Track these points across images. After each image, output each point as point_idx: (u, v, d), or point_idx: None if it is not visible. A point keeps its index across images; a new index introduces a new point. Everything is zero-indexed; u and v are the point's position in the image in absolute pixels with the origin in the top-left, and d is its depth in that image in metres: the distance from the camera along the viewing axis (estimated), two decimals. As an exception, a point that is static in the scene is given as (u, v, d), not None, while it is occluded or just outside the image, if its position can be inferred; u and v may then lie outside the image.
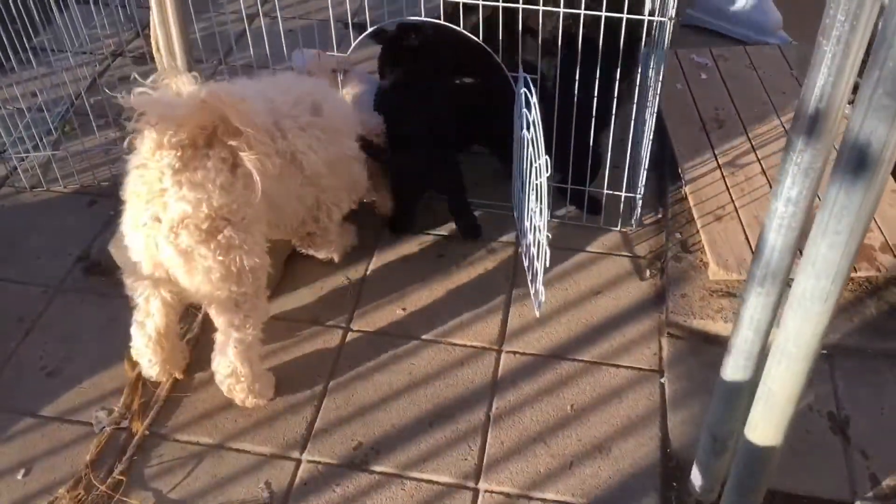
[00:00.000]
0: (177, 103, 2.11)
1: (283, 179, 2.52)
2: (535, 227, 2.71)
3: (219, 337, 2.50)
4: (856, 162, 1.49)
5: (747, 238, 2.99)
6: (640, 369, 2.76)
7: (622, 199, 3.15)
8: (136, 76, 2.23)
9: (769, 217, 1.82)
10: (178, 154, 2.13)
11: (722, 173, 3.26)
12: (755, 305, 1.93)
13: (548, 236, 2.58)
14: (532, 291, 2.89)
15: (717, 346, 2.81)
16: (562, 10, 2.80)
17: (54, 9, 3.60)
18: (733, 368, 2.07)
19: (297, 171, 2.60)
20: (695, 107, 3.62)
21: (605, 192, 3.14)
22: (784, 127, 3.46)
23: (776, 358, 1.77)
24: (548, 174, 2.46)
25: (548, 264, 2.60)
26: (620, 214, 3.20)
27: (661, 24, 2.66)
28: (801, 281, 1.62)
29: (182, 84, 2.12)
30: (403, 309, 2.98)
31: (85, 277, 3.12)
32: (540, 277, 2.72)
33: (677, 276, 2.99)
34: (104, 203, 3.45)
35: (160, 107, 2.09)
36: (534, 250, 2.79)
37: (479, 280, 3.08)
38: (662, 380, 2.72)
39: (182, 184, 2.17)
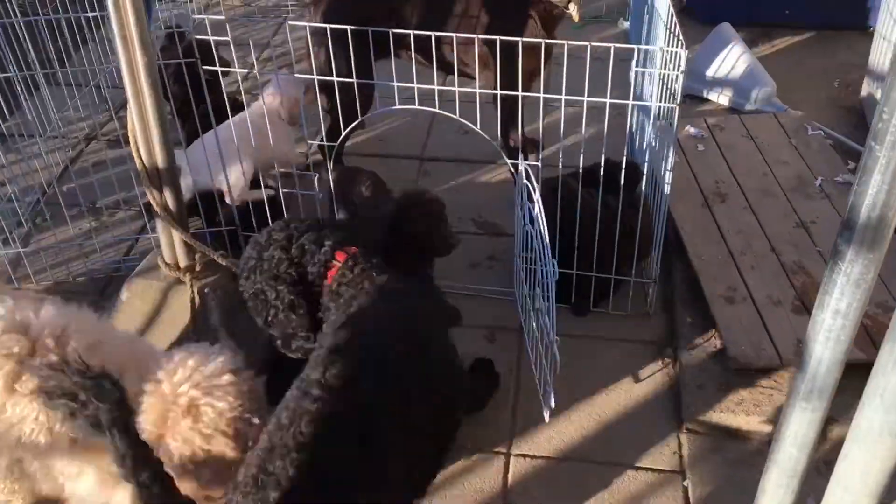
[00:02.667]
0: None
1: None
2: (542, 327, 2.54)
3: None
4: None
5: (763, 322, 2.83)
6: (661, 471, 2.57)
7: (631, 283, 2.99)
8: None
9: (815, 328, 1.67)
10: None
11: (730, 251, 3.13)
12: (800, 421, 1.76)
13: (557, 339, 2.41)
14: (541, 394, 2.71)
15: (739, 441, 2.65)
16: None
17: (23, 92, 3.44)
18: (775, 486, 1.89)
19: None
20: (694, 180, 3.50)
21: (614, 277, 2.98)
22: (790, 201, 3.34)
23: (837, 494, 1.59)
24: (555, 277, 2.30)
25: (558, 370, 2.42)
26: (630, 298, 3.04)
27: (670, 109, 2.54)
28: (868, 414, 1.46)
29: None
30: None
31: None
32: (550, 381, 2.54)
33: (692, 365, 2.83)
34: (79, 301, 3.20)
35: None
36: (541, 348, 2.62)
37: (483, 374, 2.89)
38: (685, 482, 2.53)
39: None
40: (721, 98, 4.14)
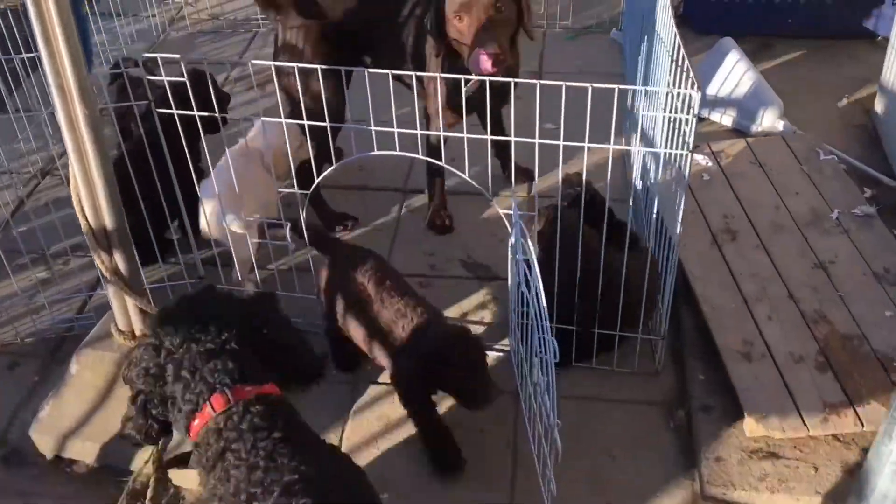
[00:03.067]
0: None
1: None
2: (541, 406, 2.25)
3: None
4: None
5: (785, 383, 2.56)
6: (678, 559, 2.31)
7: (638, 340, 2.71)
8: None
9: (879, 459, 1.41)
10: None
11: (743, 298, 2.86)
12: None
13: (558, 423, 2.13)
14: (541, 480, 2.42)
15: (764, 522, 2.38)
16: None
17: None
18: None
19: None
20: (701, 214, 3.22)
21: (618, 333, 2.70)
22: (805, 239, 3.07)
23: None
24: (556, 360, 2.01)
25: (559, 459, 2.14)
26: (637, 355, 2.76)
27: (681, 156, 2.26)
28: None
29: None
30: (387, 495, 2.48)
31: (5, 469, 2.58)
32: (550, 466, 2.26)
33: (707, 433, 2.55)
34: (27, 365, 2.93)
35: None
36: (539, 427, 2.33)
37: (476, 447, 2.59)
38: (706, 573, 2.27)
39: None
40: (724, 119, 3.86)
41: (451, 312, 3.06)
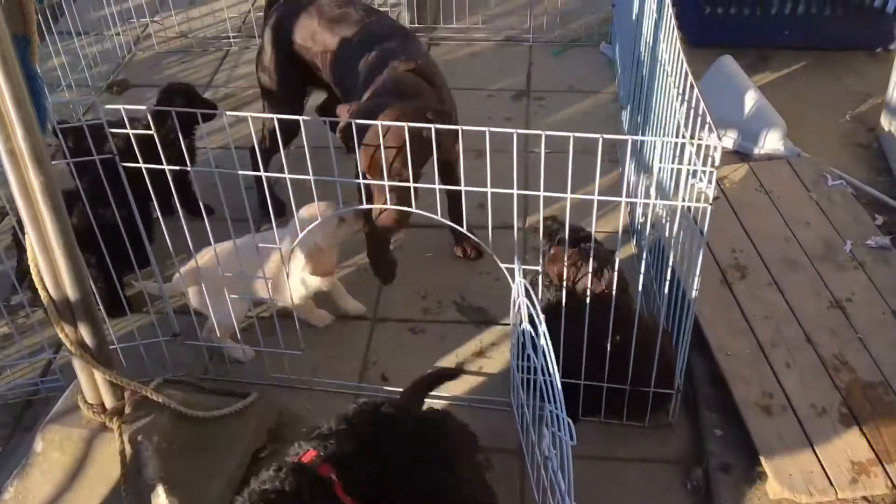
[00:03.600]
0: None
1: None
2: (554, 482, 2.07)
3: None
4: None
5: (809, 441, 2.40)
6: None
7: (650, 395, 2.53)
8: None
9: None
10: None
11: (759, 343, 2.69)
12: None
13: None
14: None
15: None
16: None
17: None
18: None
19: None
20: (708, 250, 3.04)
21: (628, 387, 2.51)
22: (819, 275, 2.90)
23: None
24: (572, 443, 1.83)
25: None
26: (649, 410, 2.58)
27: (702, 209, 2.08)
28: None
29: None
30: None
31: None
32: None
33: (728, 495, 2.38)
34: (-11, 434, 2.70)
35: None
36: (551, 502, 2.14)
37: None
38: None
39: None
40: (725, 141, 3.69)
41: (448, 361, 2.88)
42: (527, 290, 2.13)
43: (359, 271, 3.24)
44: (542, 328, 1.98)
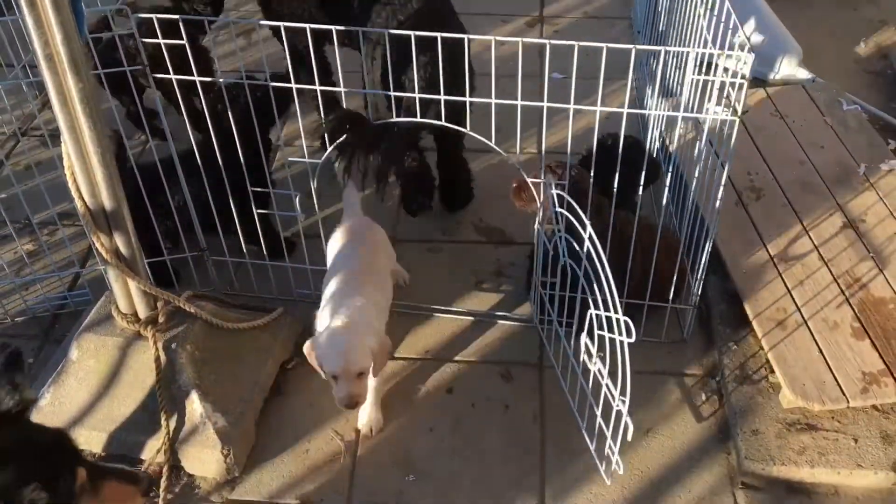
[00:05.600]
0: None
1: None
2: (605, 386, 2.14)
3: None
4: None
5: (822, 352, 2.47)
6: (719, 540, 2.24)
7: (667, 310, 2.60)
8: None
9: None
10: None
11: (774, 264, 2.74)
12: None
13: (623, 400, 2.03)
14: (597, 457, 2.33)
15: (804, 496, 2.32)
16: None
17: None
18: None
19: None
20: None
21: (647, 302, 2.58)
22: (833, 196, 2.95)
23: None
24: (630, 339, 1.89)
25: (629, 438, 2.04)
26: (665, 322, 2.65)
27: (730, 122, 2.11)
28: None
29: None
30: (412, 476, 2.38)
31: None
32: (617, 448, 2.17)
33: (742, 405, 2.47)
34: (20, 346, 2.72)
35: None
36: (595, 409, 2.22)
37: (502, 424, 2.50)
38: (748, 554, 2.21)
39: None
40: (740, 66, 3.68)
41: (466, 279, 2.93)
42: (561, 199, 2.16)
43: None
44: (589, 230, 2.02)
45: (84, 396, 2.42)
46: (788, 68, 3.55)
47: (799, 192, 2.99)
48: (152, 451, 2.37)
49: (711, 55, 2.19)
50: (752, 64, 2.00)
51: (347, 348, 2.21)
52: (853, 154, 3.12)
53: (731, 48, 2.08)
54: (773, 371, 2.50)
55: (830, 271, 2.71)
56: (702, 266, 2.49)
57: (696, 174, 2.37)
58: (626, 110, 2.14)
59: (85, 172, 2.08)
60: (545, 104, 2.14)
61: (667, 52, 2.64)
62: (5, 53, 3.11)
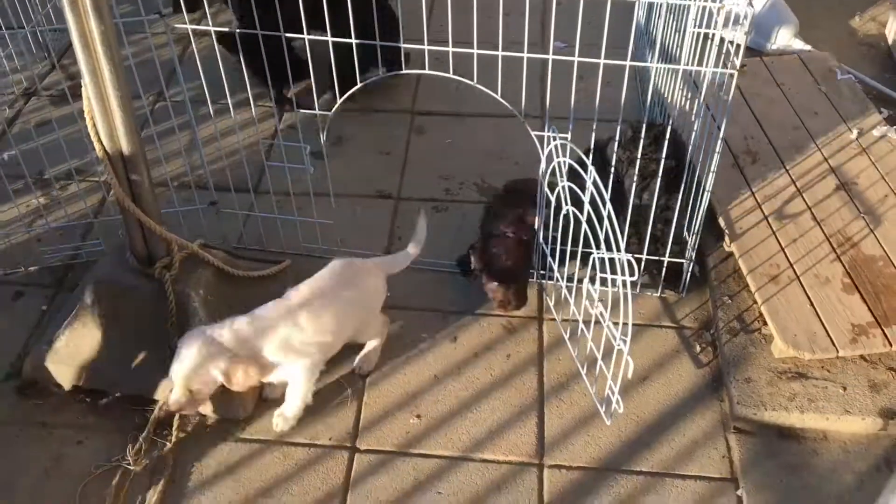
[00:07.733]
0: None
1: None
2: (607, 327, 2.23)
3: None
4: None
5: (813, 305, 2.56)
6: (710, 478, 2.33)
7: (664, 264, 2.68)
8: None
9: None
10: None
11: (769, 223, 2.83)
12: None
13: (624, 339, 2.11)
14: (596, 399, 2.42)
15: (794, 441, 2.41)
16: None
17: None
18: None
19: None
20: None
21: (645, 256, 2.66)
22: (826, 160, 3.04)
23: None
24: (633, 278, 1.98)
25: (629, 375, 2.13)
26: (662, 279, 2.73)
27: (728, 76, 2.18)
28: None
29: None
30: (418, 416, 2.47)
31: (18, 403, 2.51)
32: (617, 388, 2.26)
33: (735, 355, 2.56)
34: (33, 295, 2.82)
35: None
36: (597, 353, 2.31)
37: (503, 370, 2.59)
38: (739, 492, 2.30)
39: None
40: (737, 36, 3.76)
41: (469, 238, 2.99)
42: (565, 148, 2.24)
43: (380, 155, 3.33)
44: (592, 173, 2.10)
45: (98, 338, 2.49)
46: (785, 39, 3.63)
47: (793, 155, 3.07)
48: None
49: (711, 13, 2.26)
50: (751, 17, 2.06)
51: (185, 358, 2.19)
52: (846, 121, 3.21)
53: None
54: (765, 324, 2.58)
55: (823, 230, 2.80)
56: (698, 223, 2.57)
57: (695, 132, 2.44)
58: (628, 63, 2.21)
59: (104, 116, 2.14)
60: (550, 56, 2.22)
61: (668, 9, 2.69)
62: (7, 19, 3.17)
